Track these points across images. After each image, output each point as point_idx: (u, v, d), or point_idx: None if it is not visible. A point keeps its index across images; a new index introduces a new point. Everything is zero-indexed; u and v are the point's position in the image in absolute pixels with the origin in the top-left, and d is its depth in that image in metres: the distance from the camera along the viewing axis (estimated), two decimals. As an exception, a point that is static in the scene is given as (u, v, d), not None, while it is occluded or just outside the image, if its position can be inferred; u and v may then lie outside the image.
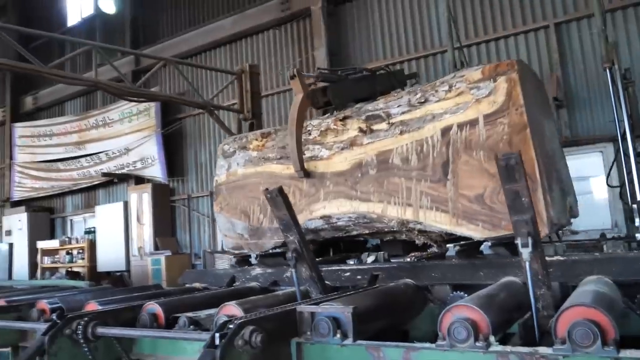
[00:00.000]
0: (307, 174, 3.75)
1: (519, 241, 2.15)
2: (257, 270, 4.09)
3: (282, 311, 2.31)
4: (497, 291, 2.46)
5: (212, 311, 2.83)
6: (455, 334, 1.89)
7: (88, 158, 12.73)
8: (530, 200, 2.16)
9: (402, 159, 3.29)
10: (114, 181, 12.36)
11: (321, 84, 4.33)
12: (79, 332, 2.64)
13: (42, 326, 2.82)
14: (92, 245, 11.85)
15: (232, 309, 2.65)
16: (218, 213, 4.49)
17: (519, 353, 1.79)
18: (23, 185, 14.38)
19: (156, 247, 10.23)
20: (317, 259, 4.16)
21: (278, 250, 4.14)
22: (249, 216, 4.23)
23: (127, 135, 11.82)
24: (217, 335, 2.00)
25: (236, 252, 4.45)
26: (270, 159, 4.18)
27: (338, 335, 2.16)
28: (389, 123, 3.46)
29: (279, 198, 2.72)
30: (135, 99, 7.54)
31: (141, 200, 10.84)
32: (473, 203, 2.94)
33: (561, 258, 2.89)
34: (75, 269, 11.98)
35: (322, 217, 3.66)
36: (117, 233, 11.24)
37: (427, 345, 1.98)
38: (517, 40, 7.99)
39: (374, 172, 3.43)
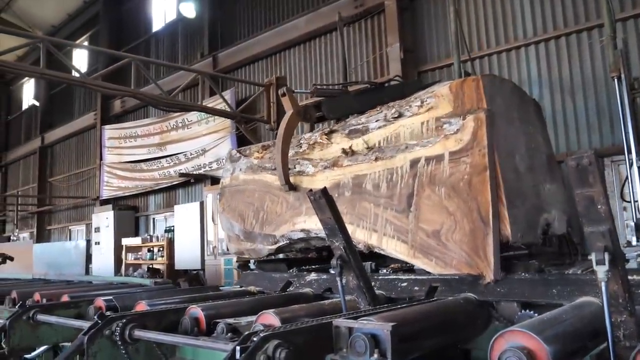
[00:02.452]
0: (293, 188, 3.91)
1: (593, 257, 1.81)
2: (312, 276, 3.92)
3: (316, 324, 2.10)
4: (568, 314, 2.10)
5: (253, 318, 2.68)
6: (508, 365, 1.60)
7: (168, 159, 13.21)
8: (608, 207, 1.81)
9: (374, 185, 3.39)
10: (190, 181, 12.74)
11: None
12: (117, 333, 2.58)
13: (87, 325, 2.81)
14: (171, 243, 12.26)
15: (269, 317, 2.49)
16: (221, 213, 4.72)
17: (587, 395, 1.47)
18: (111, 185, 15.22)
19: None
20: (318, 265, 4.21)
21: (276, 257, 4.36)
22: (244, 220, 4.39)
23: (204, 137, 12.12)
24: (238, 348, 1.83)
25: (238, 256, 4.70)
26: (266, 168, 4.36)
27: (375, 356, 1.92)
28: (367, 147, 3.60)
29: (322, 200, 2.51)
30: (169, 108, 7.89)
31: (216, 201, 11.05)
32: (430, 238, 2.97)
33: (651, 277, 2.46)
34: (155, 266, 12.46)
35: (302, 230, 3.84)
36: (193, 232, 11.54)
37: (475, 375, 1.70)
38: (625, 26, 7.12)
39: (349, 194, 3.54)
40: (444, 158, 2.99)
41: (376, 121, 3.63)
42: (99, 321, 2.67)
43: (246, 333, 1.93)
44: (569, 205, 3.89)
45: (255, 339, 1.85)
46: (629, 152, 4.31)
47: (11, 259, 6.00)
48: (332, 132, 3.93)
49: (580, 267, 3.13)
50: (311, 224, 3.73)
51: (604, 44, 5.34)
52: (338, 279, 2.62)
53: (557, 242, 4.18)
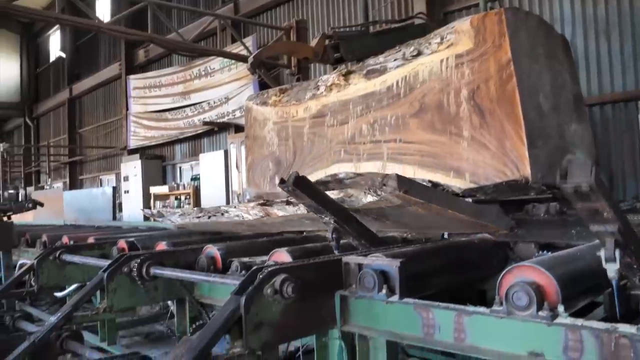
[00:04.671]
0: (254, 70, 4.36)
1: (602, 254, 1.59)
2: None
3: (325, 260, 2.11)
4: (583, 252, 2.05)
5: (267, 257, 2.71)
6: (515, 299, 1.57)
7: (192, 107, 13.24)
8: (616, 212, 1.58)
9: None
10: (214, 130, 12.77)
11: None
12: (135, 270, 2.65)
13: (105, 263, 2.89)
14: (197, 191, 12.47)
15: (282, 255, 2.51)
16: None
17: (594, 329, 1.43)
18: (137, 135, 15.40)
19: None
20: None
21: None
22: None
23: (227, 85, 12.05)
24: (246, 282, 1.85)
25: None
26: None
27: (384, 291, 1.92)
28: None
29: (297, 190, 2.39)
30: (187, 54, 7.81)
31: (239, 149, 11.09)
32: None
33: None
34: (183, 213, 12.71)
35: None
36: (218, 180, 11.68)
37: (482, 310, 1.68)
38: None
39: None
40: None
41: (394, 60, 3.50)
42: (118, 259, 2.74)
43: (254, 268, 1.95)
44: (595, 147, 3.75)
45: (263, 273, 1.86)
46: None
47: (41, 204, 6.20)
48: (349, 73, 3.82)
49: (603, 209, 3.04)
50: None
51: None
52: (336, 251, 2.52)
53: (584, 188, 4.06)
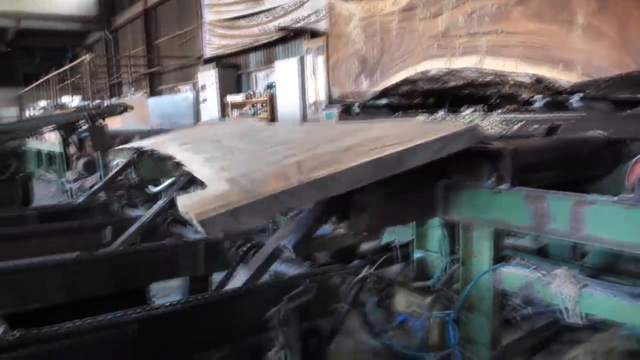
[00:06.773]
0: None
1: None
2: (419, 118, 3.82)
3: (428, 149, 2.03)
4: None
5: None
6: (649, 185, 1.45)
7: (266, 13, 12.92)
8: None
9: None
10: (289, 37, 12.50)
11: None
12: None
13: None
14: (272, 99, 12.52)
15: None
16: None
17: None
18: (212, 44, 15.38)
19: (331, 100, 10.34)
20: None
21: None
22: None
23: (303, -14, 11.62)
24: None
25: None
26: None
27: (493, 179, 1.84)
28: None
29: None
30: None
31: (315, 55, 10.87)
32: None
33: None
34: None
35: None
36: (294, 87, 11.62)
37: (606, 198, 1.57)
38: None
39: None
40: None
41: None
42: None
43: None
44: None
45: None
46: None
47: (131, 107, 6.48)
48: None
49: None
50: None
51: None
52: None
53: None
